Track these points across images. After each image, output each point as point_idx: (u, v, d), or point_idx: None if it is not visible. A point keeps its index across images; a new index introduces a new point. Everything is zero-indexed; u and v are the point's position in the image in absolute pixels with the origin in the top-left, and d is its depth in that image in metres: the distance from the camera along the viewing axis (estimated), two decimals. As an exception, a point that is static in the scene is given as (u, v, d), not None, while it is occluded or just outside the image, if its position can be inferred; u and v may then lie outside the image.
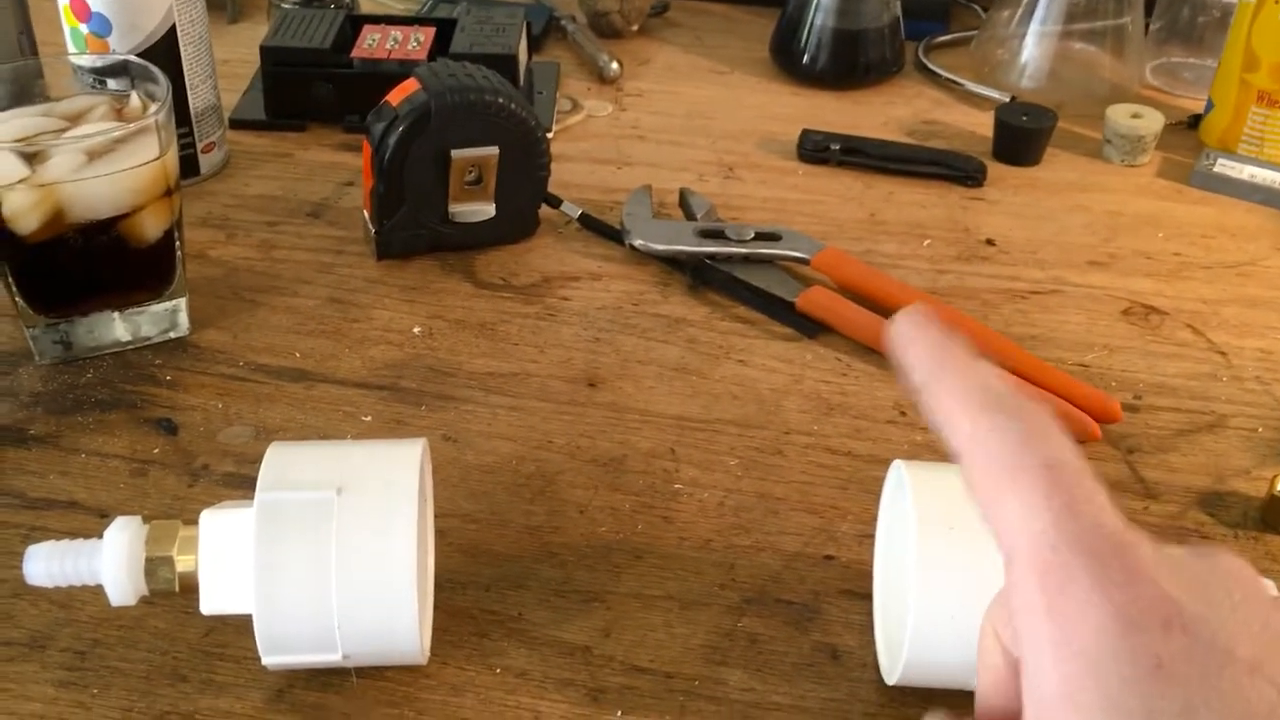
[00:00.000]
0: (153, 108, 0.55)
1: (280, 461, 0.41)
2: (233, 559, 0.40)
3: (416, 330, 0.61)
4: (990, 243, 0.70)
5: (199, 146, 0.72)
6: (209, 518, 0.41)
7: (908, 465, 0.43)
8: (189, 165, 0.71)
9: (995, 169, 0.77)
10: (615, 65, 0.87)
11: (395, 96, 0.63)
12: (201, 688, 0.43)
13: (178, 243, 0.58)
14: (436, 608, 0.46)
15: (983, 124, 0.81)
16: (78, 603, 0.45)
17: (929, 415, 0.31)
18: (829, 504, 0.52)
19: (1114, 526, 0.26)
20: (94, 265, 0.55)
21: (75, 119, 0.56)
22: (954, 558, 0.39)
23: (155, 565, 0.41)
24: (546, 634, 0.45)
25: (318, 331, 0.61)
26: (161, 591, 0.41)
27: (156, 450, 0.53)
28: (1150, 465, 0.54)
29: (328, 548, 0.39)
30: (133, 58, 0.59)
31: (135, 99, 0.58)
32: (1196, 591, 0.26)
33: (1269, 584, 0.29)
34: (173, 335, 0.59)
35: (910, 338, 0.32)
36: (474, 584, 0.47)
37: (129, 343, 0.58)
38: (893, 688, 0.43)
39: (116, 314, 0.58)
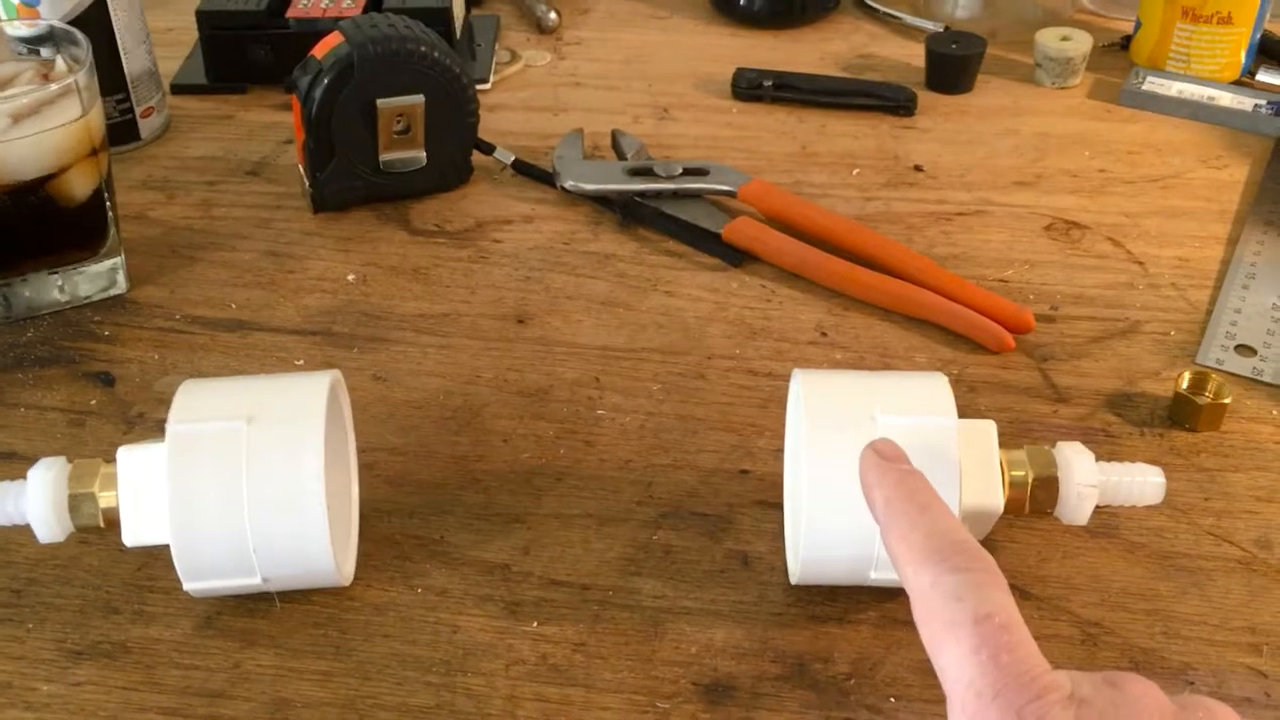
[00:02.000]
0: (75, 69, 0.56)
1: (191, 397, 0.43)
2: (150, 492, 0.42)
3: (351, 278, 0.62)
4: (919, 169, 0.71)
5: (138, 111, 0.73)
6: (125, 454, 0.42)
7: (803, 372, 0.44)
8: (128, 130, 0.72)
9: (927, 98, 0.78)
10: (554, 15, 0.88)
11: (319, 50, 0.64)
12: (133, 618, 0.44)
13: (108, 202, 0.59)
14: (362, 535, 0.47)
15: (917, 56, 0.82)
16: (14, 545, 0.47)
17: (886, 552, 0.36)
18: (747, 422, 0.53)
19: (1033, 674, 0.31)
20: (24, 226, 0.56)
21: (2, 85, 0.57)
22: (842, 455, 0.41)
23: (79, 502, 0.42)
24: (467, 554, 0.47)
25: (254, 283, 0.62)
26: (87, 527, 0.42)
27: (94, 402, 0.54)
28: (1063, 372, 0.56)
29: (239, 475, 0.41)
30: (56, 23, 0.60)
31: (60, 63, 0.59)
32: None
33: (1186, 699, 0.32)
34: (112, 293, 0.61)
35: (871, 481, 0.38)
36: (399, 512, 0.49)
37: (67, 302, 0.60)
38: (799, 588, 0.45)
39: (54, 274, 0.59)
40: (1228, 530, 0.48)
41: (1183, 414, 0.52)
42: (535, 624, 0.44)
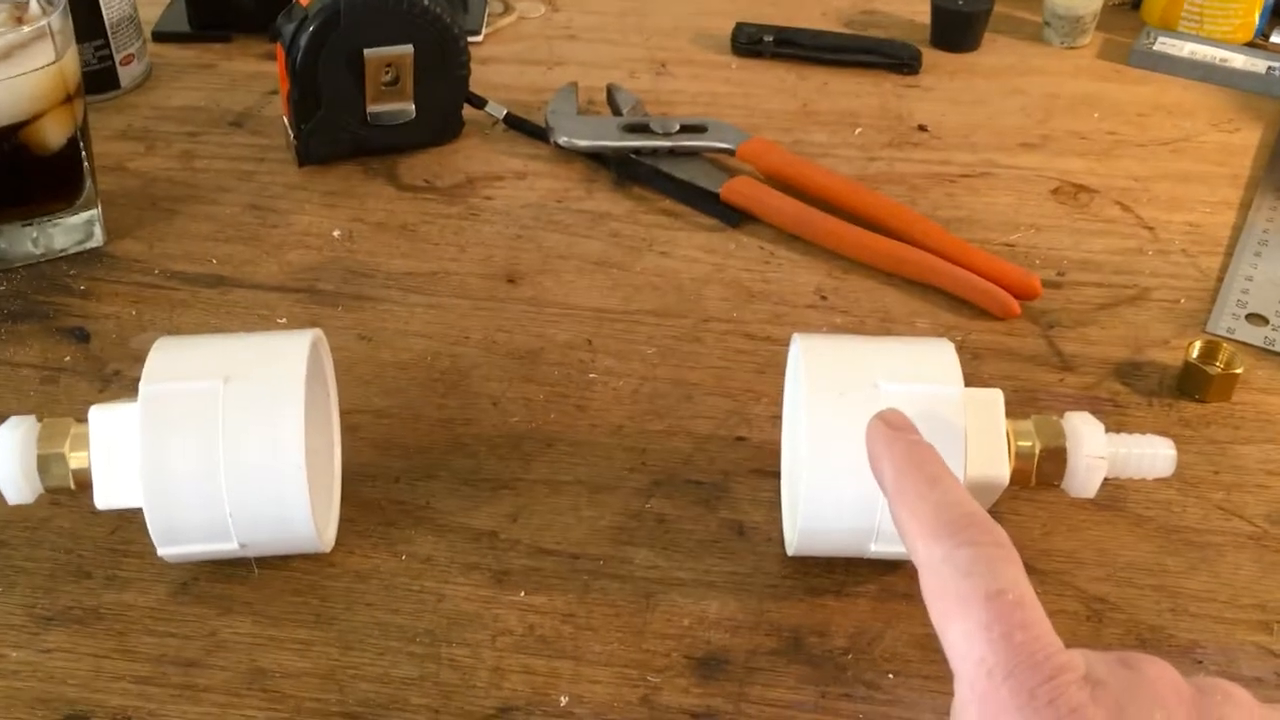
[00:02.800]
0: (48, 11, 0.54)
1: (166, 355, 0.41)
2: (123, 453, 0.40)
3: (336, 234, 0.60)
4: (923, 128, 0.69)
5: (117, 59, 0.70)
6: (98, 413, 0.41)
7: (803, 337, 0.43)
8: (108, 78, 0.70)
9: (932, 56, 0.76)
10: (549, -34, 0.85)
11: (305, -4, 0.62)
12: (106, 583, 0.43)
13: (84, 152, 0.57)
14: (344, 500, 0.46)
15: (922, 12, 0.80)
16: (-17, 506, 0.45)
17: (895, 525, 0.34)
18: (744, 387, 0.52)
19: (1046, 653, 0.29)
20: (-3, 175, 0.54)
21: (-28, 28, 0.55)
22: (844, 423, 0.39)
23: (48, 462, 0.40)
24: (454, 521, 0.45)
25: (236, 238, 0.60)
26: (57, 489, 0.41)
27: (68, 358, 0.52)
28: (1069, 339, 0.54)
29: (215, 437, 0.39)
30: (30, -37, 0.58)
31: (34, 6, 0.57)
32: (1120, 711, 0.28)
33: (1200, 682, 0.31)
34: (88, 246, 0.59)
35: (878, 451, 0.36)
36: (383, 476, 0.47)
37: (42, 255, 0.58)
38: (795, 559, 0.43)
39: (28, 226, 0.57)
40: (1238, 504, 0.46)
41: (1193, 384, 0.51)
42: (523, 593, 0.43)
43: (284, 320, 0.55)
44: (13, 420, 0.41)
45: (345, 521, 0.45)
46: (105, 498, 0.40)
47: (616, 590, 0.43)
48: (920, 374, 0.40)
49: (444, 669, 0.40)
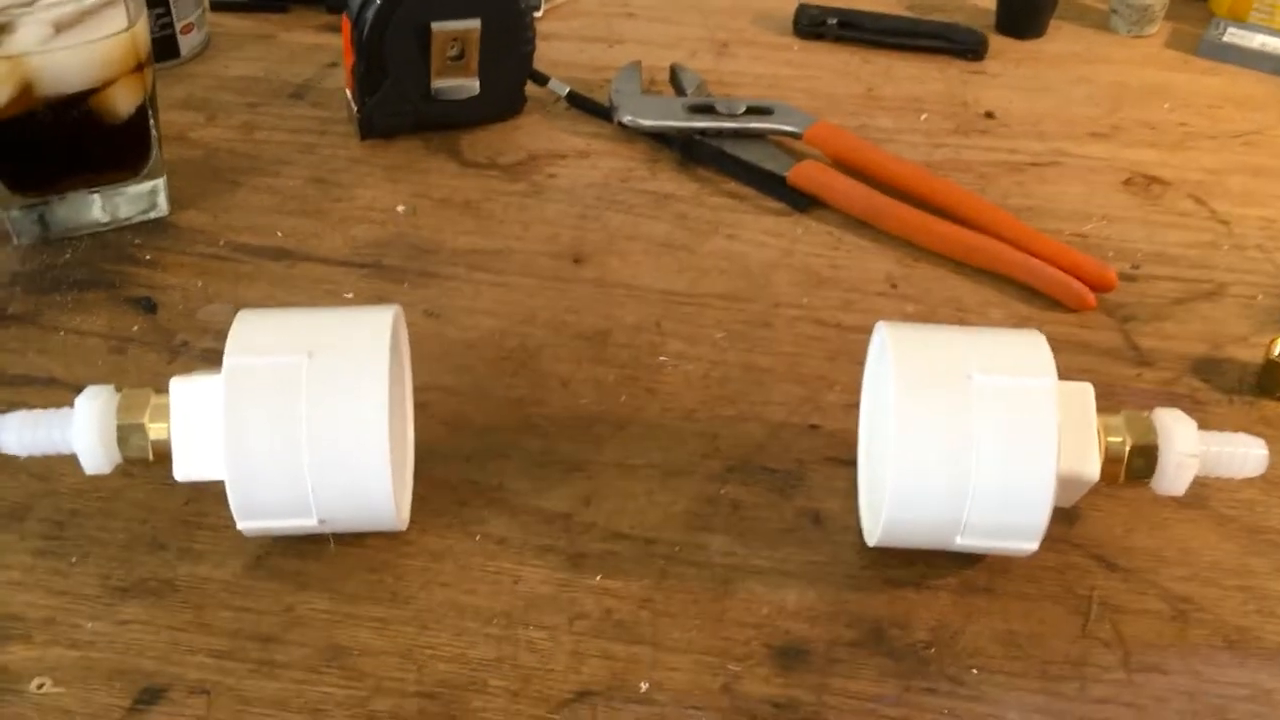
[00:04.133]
0: (120, -22, 0.53)
1: (249, 328, 0.40)
2: (204, 425, 0.40)
3: (400, 209, 0.60)
4: (990, 115, 0.68)
5: (178, 27, 0.70)
6: (179, 384, 0.40)
7: (889, 326, 0.42)
8: (168, 46, 0.70)
9: (998, 42, 0.75)
10: (607, -58, 0.84)
11: (373, -32, 0.61)
12: (180, 555, 0.43)
13: (152, 121, 0.56)
14: (417, 478, 0.45)
15: (986, -3, 0.79)
16: (57, 474, 0.45)
17: None
18: (816, 374, 0.51)
19: None
20: (67, 142, 0.54)
21: (43, -8, 0.55)
22: (934, 414, 0.39)
23: (128, 433, 0.40)
24: (527, 503, 0.45)
25: (299, 211, 0.60)
26: (135, 459, 0.40)
27: (135, 328, 0.52)
28: (1146, 333, 0.53)
29: (298, 411, 0.38)
30: (100, -71, 0.57)
31: (104, -29, 0.56)
32: None
33: None
34: (152, 216, 0.58)
35: None
36: (455, 455, 0.47)
37: (108, 223, 0.57)
38: (874, 550, 0.43)
39: (94, 194, 0.57)
40: (1323, 506, 0.45)
41: (1273, 382, 0.50)
42: (599, 577, 0.42)
43: (350, 295, 0.54)
44: (91, 390, 0.41)
45: (418, 500, 0.45)
46: (185, 469, 0.40)
47: (693, 576, 0.42)
48: (1012, 366, 0.39)
49: (521, 651, 0.40)
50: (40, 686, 0.38)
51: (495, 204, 0.61)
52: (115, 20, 0.52)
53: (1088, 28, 0.77)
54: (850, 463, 0.46)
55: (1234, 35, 0.74)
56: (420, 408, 0.48)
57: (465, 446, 0.47)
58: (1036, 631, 0.41)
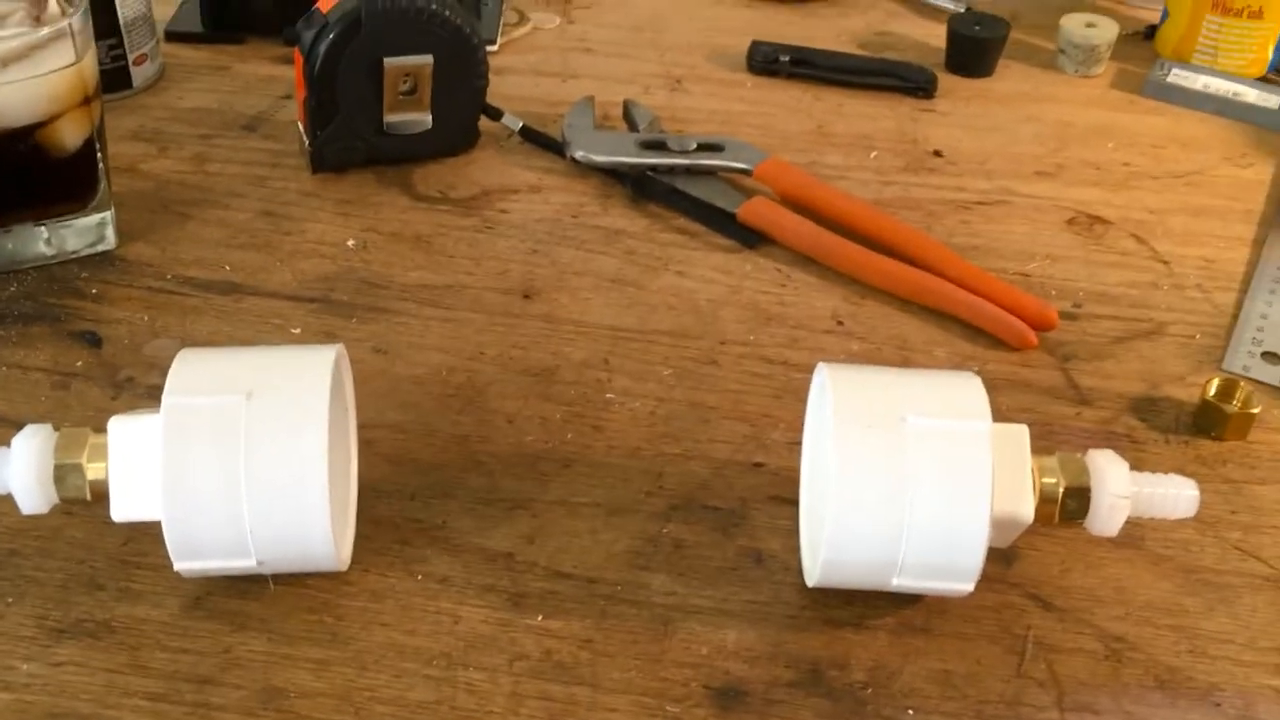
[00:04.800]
0: (69, 12, 0.53)
1: (189, 367, 0.40)
2: (142, 465, 0.40)
3: (350, 243, 0.60)
4: (938, 154, 0.69)
5: (130, 58, 0.70)
6: (117, 424, 0.40)
7: (830, 367, 0.42)
8: (120, 78, 0.70)
9: (947, 80, 0.76)
10: (564, -23, 0.85)
11: (325, 3, 0.62)
12: (119, 596, 0.42)
13: (100, 153, 0.56)
14: (360, 516, 0.45)
15: (937, 35, 0.80)
16: (-6, 514, 0.45)
17: None
18: (761, 412, 0.51)
19: None
20: (12, 175, 0.54)
21: (-10, 25, 0.54)
22: (871, 456, 0.39)
23: (65, 472, 0.40)
24: (470, 541, 0.45)
25: (249, 245, 0.60)
26: (72, 499, 0.40)
27: (80, 363, 0.52)
28: (1086, 372, 0.54)
29: (236, 452, 0.38)
30: (50, -38, 0.57)
31: (53, 5, 0.56)
32: None
33: None
34: (100, 249, 0.58)
35: None
36: (399, 493, 0.47)
37: (54, 256, 0.57)
38: (814, 590, 0.43)
39: (40, 227, 0.56)
40: (1255, 545, 0.46)
41: (1209, 422, 0.51)
42: (540, 617, 0.42)
43: (298, 330, 0.54)
44: (30, 429, 0.40)
45: (360, 539, 0.45)
46: (122, 510, 0.40)
47: (634, 616, 0.43)
48: (948, 409, 0.40)
49: (461, 693, 0.40)
50: (-29, 730, 0.38)
51: (446, 239, 0.61)
52: (62, 54, 0.52)
53: (1036, 67, 0.78)
54: (793, 501, 0.47)
55: (1178, 76, 0.76)
56: (365, 445, 0.48)
57: (409, 484, 0.47)
58: (973, 671, 0.41)
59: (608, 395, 0.52)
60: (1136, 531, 0.46)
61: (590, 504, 0.47)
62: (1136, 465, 0.42)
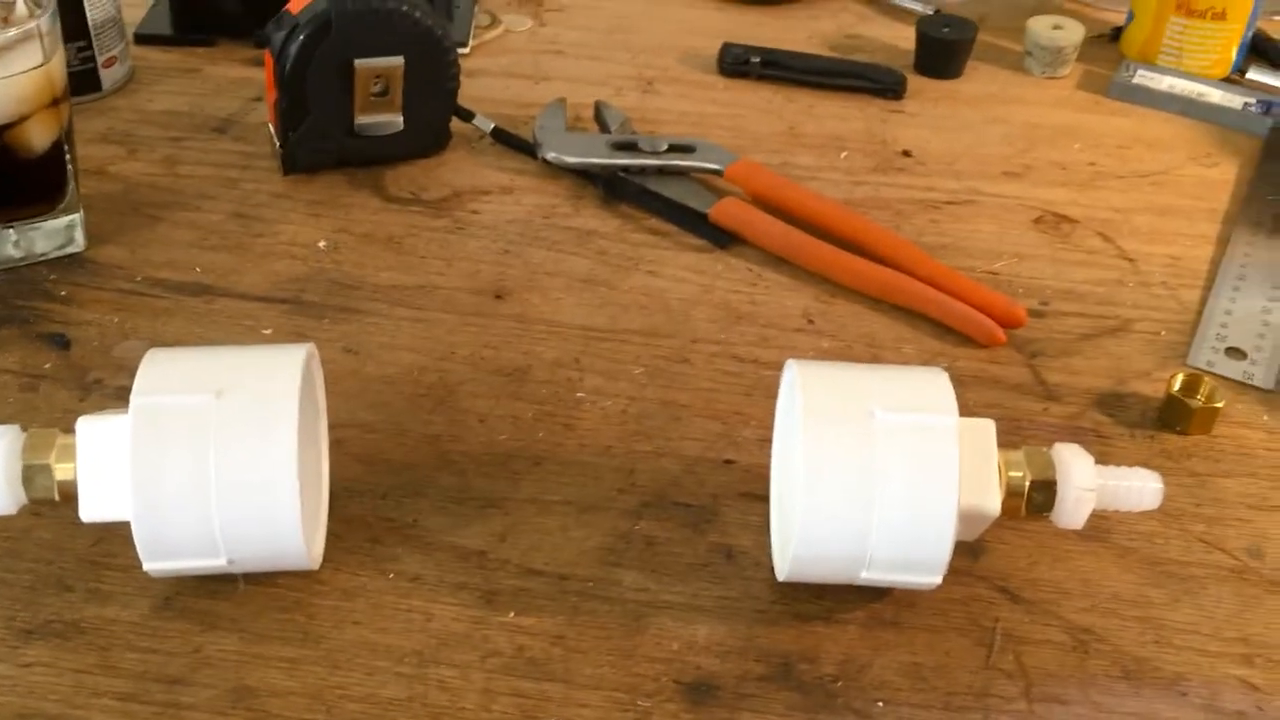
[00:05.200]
0: (37, 13, 0.53)
1: (158, 367, 0.40)
2: (111, 465, 0.39)
3: (322, 244, 0.60)
4: (907, 154, 0.70)
5: (100, 61, 0.70)
6: (85, 424, 0.40)
7: (799, 364, 0.43)
8: (89, 80, 0.69)
9: (916, 82, 0.77)
10: (536, -20, 0.85)
11: (296, 4, 0.62)
12: (87, 597, 0.42)
13: (68, 155, 0.56)
14: (331, 515, 0.45)
15: (906, 37, 0.80)
16: (-39, 516, 0.44)
17: None
18: (732, 410, 0.52)
19: None
20: (-21, 177, 0.54)
21: (-43, 27, 0.54)
22: (839, 451, 0.39)
23: (33, 473, 0.40)
24: (442, 539, 0.45)
25: (220, 246, 0.59)
26: (41, 500, 0.40)
27: (48, 365, 0.52)
28: (1053, 369, 0.55)
29: (206, 451, 0.38)
30: (17, -37, 0.57)
31: (21, 6, 0.56)
32: None
33: None
34: (69, 251, 0.58)
35: None
36: (370, 492, 0.47)
37: (22, 259, 0.57)
38: (784, 585, 0.43)
39: (8, 229, 0.56)
40: (1219, 538, 0.47)
41: (1174, 416, 0.51)
42: (512, 614, 0.42)
43: (269, 331, 0.54)
44: (-4, 430, 0.40)
45: (332, 537, 0.45)
46: (91, 510, 0.40)
47: (606, 612, 0.43)
48: (916, 403, 0.40)
49: (432, 690, 0.40)
50: (-62, 732, 0.38)
51: (418, 239, 0.61)
52: (30, 56, 0.52)
53: (1003, 69, 0.79)
54: (764, 498, 0.47)
55: (1143, 77, 0.77)
56: (336, 444, 0.48)
57: (381, 484, 0.47)
58: (941, 663, 0.42)
59: (579, 394, 0.52)
60: (1102, 524, 0.47)
61: (562, 502, 0.47)
62: (1103, 459, 0.42)
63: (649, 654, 0.41)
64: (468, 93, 0.69)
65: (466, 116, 0.68)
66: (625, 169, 0.65)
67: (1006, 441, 0.42)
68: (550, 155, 0.66)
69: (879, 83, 0.75)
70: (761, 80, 0.77)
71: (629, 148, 0.66)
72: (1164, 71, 0.77)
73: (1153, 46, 0.78)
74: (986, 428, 0.42)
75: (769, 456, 0.48)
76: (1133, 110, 0.76)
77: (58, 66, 0.54)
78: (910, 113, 0.74)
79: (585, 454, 0.49)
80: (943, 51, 0.77)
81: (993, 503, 0.41)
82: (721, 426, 0.51)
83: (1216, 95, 0.75)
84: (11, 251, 0.56)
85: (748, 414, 0.51)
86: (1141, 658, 0.42)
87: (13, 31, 0.52)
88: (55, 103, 0.54)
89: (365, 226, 0.61)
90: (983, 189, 0.67)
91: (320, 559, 0.44)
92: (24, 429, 0.41)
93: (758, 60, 0.77)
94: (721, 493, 0.48)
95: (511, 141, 0.68)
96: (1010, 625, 0.43)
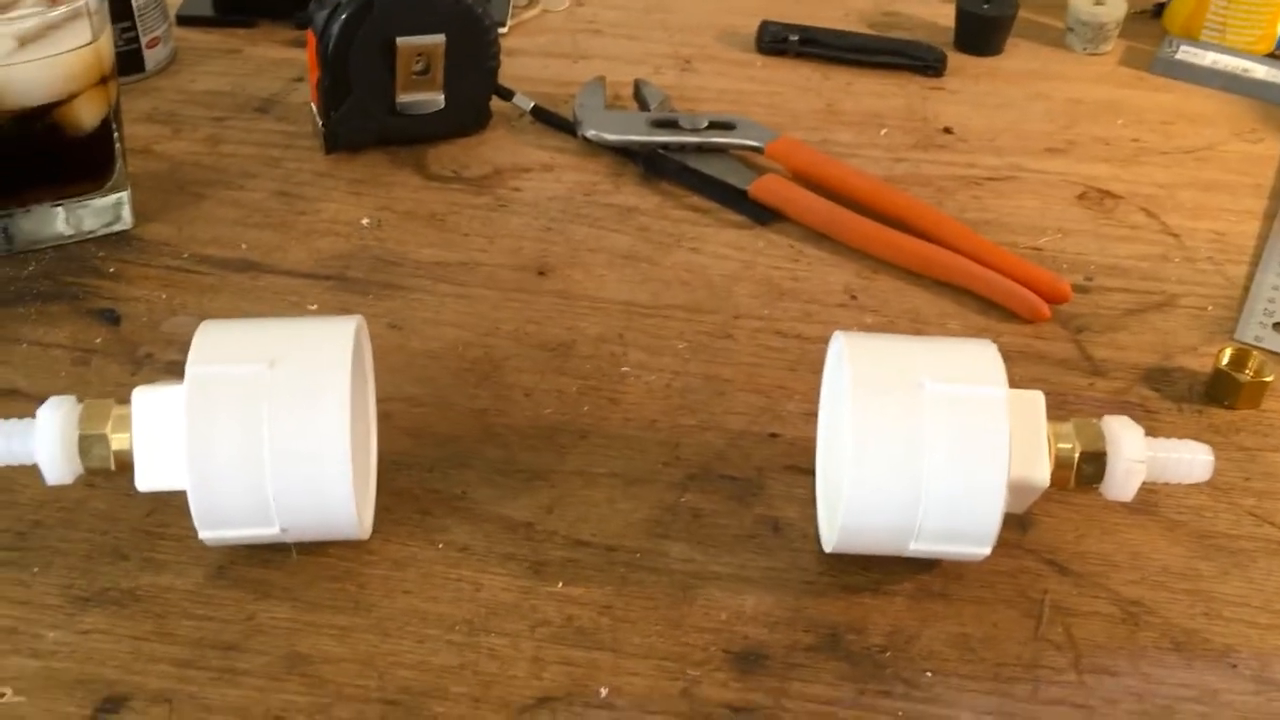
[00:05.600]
0: (84, -8, 0.54)
1: (211, 338, 0.41)
2: (166, 435, 0.40)
3: (365, 222, 0.60)
4: (948, 131, 0.70)
5: (143, 41, 0.70)
6: (141, 395, 0.40)
7: (846, 335, 0.43)
8: (133, 61, 0.70)
9: (956, 59, 0.76)
10: (572, -41, 0.85)
11: (338, -17, 0.62)
12: (142, 565, 0.43)
13: (116, 133, 0.57)
14: (380, 487, 0.46)
15: (945, 14, 0.80)
16: (19, 485, 0.45)
17: None
18: (776, 384, 0.52)
19: None
20: (30, 154, 0.54)
21: (7, 6, 0.55)
22: (888, 422, 0.39)
23: (90, 443, 0.40)
24: (489, 511, 0.45)
25: (264, 224, 0.60)
26: (97, 470, 0.41)
27: (99, 340, 0.52)
28: (1099, 344, 0.54)
29: (259, 421, 0.39)
30: (65, -57, 0.57)
31: (68, -15, 0.56)
32: None
33: None
34: (116, 228, 0.58)
35: None
36: (418, 464, 0.47)
37: (71, 236, 0.58)
38: (831, 556, 0.43)
39: (58, 207, 0.57)
40: (1269, 511, 0.46)
41: (1222, 391, 0.51)
42: (560, 584, 0.43)
43: (315, 307, 0.55)
44: (53, 400, 0.41)
45: (381, 509, 0.45)
46: (147, 480, 0.40)
47: (653, 583, 0.43)
48: (965, 374, 0.40)
49: (483, 658, 0.40)
50: (1, 696, 0.38)
51: (460, 217, 0.61)
52: (79, 34, 0.53)
53: (1045, 45, 0.79)
54: (809, 471, 0.47)
55: (1186, 53, 0.76)
56: (383, 418, 0.48)
57: (428, 456, 0.48)
58: (990, 635, 0.42)
59: (623, 369, 0.52)
60: (1150, 498, 0.46)
61: (608, 474, 0.47)
62: (1151, 434, 0.42)
63: (697, 624, 0.42)
64: (507, 71, 0.69)
65: (506, 95, 0.68)
66: (665, 146, 0.65)
67: (1054, 416, 0.42)
68: (590, 133, 0.66)
69: (919, 60, 0.75)
70: (800, 58, 0.76)
71: (669, 125, 0.66)
72: (1207, 47, 0.76)
73: (1196, 22, 0.77)
74: (1035, 399, 0.42)
75: (814, 430, 0.48)
76: (1175, 86, 0.75)
77: (106, 44, 0.55)
78: (951, 90, 0.74)
79: (630, 428, 0.49)
80: (984, 28, 0.76)
81: (1042, 474, 0.41)
82: (765, 400, 0.51)
83: (1261, 71, 0.74)
84: (61, 229, 0.57)
85: (791, 388, 0.51)
86: (1191, 629, 0.42)
87: (62, 9, 0.52)
88: (103, 80, 0.55)
89: (407, 204, 0.62)
90: (1025, 165, 0.67)
91: (370, 529, 0.44)
92: (80, 400, 0.41)
93: (796, 38, 0.76)
94: (767, 465, 0.48)
95: (551, 120, 0.68)
96: (1059, 597, 0.43)
